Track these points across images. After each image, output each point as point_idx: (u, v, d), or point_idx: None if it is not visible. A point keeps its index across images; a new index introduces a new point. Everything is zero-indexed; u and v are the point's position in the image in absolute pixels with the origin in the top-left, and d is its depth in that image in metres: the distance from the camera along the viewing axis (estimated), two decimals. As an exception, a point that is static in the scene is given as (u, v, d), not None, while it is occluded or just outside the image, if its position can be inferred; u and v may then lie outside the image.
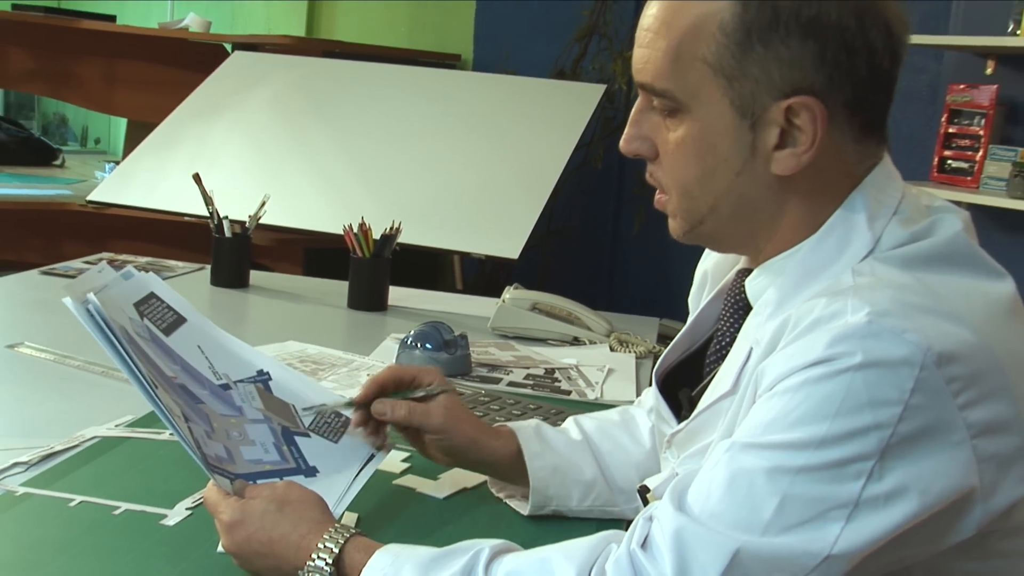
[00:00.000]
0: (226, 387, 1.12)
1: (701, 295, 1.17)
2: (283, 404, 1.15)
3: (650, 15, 0.97)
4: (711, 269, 1.16)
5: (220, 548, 1.01)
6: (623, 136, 1.01)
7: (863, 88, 0.94)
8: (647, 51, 0.96)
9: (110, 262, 2.45)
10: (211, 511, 1.01)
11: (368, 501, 1.17)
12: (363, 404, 1.15)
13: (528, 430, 1.23)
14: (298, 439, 1.13)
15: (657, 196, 1.02)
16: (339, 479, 1.11)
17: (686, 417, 1.05)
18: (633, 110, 1.00)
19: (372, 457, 1.15)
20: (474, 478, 1.27)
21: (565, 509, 1.21)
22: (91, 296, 0.97)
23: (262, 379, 1.15)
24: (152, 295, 1.10)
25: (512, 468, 1.21)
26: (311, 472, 1.11)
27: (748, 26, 0.91)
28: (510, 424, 1.24)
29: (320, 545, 0.95)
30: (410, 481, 1.26)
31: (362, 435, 1.17)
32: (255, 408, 1.12)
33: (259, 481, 1.05)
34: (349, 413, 1.16)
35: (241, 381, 1.14)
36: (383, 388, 1.17)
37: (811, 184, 0.96)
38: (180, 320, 1.12)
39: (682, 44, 0.94)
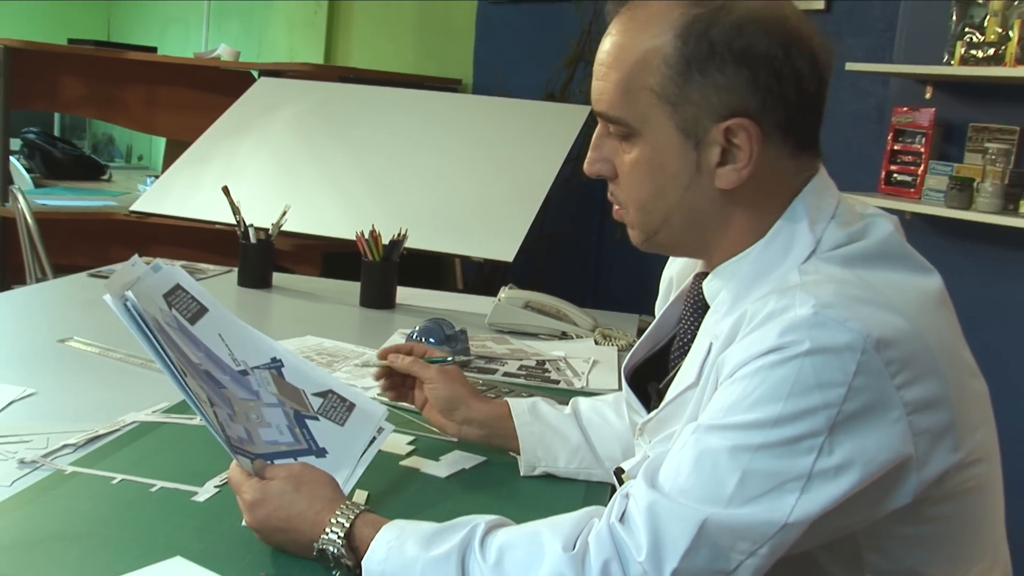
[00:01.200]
0: (244, 373, 1.09)
1: (666, 300, 1.17)
2: (295, 389, 1.13)
3: (604, 51, 0.98)
4: (675, 276, 1.17)
5: (244, 523, 1.00)
6: (586, 159, 1.01)
7: (794, 109, 0.94)
8: (602, 83, 0.97)
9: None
10: (235, 490, 1.01)
11: (377, 480, 1.16)
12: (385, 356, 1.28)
13: (522, 404, 1.28)
14: (309, 422, 1.11)
15: (616, 210, 1.03)
16: (347, 459, 1.10)
17: (655, 407, 1.05)
18: (594, 136, 1.01)
19: (374, 439, 1.14)
20: (472, 460, 1.27)
21: (554, 469, 1.25)
22: (129, 293, 0.96)
23: (275, 366, 1.13)
24: (178, 286, 1.08)
25: (499, 429, 1.26)
26: (321, 453, 1.09)
27: (688, 58, 0.92)
28: (508, 400, 1.29)
29: (333, 521, 0.95)
30: (414, 462, 1.26)
31: (382, 388, 1.30)
32: (270, 393, 1.10)
33: (277, 461, 1.04)
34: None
35: (257, 367, 1.11)
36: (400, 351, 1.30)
37: (753, 195, 0.96)
38: (203, 310, 1.09)
39: (631, 76, 0.95)
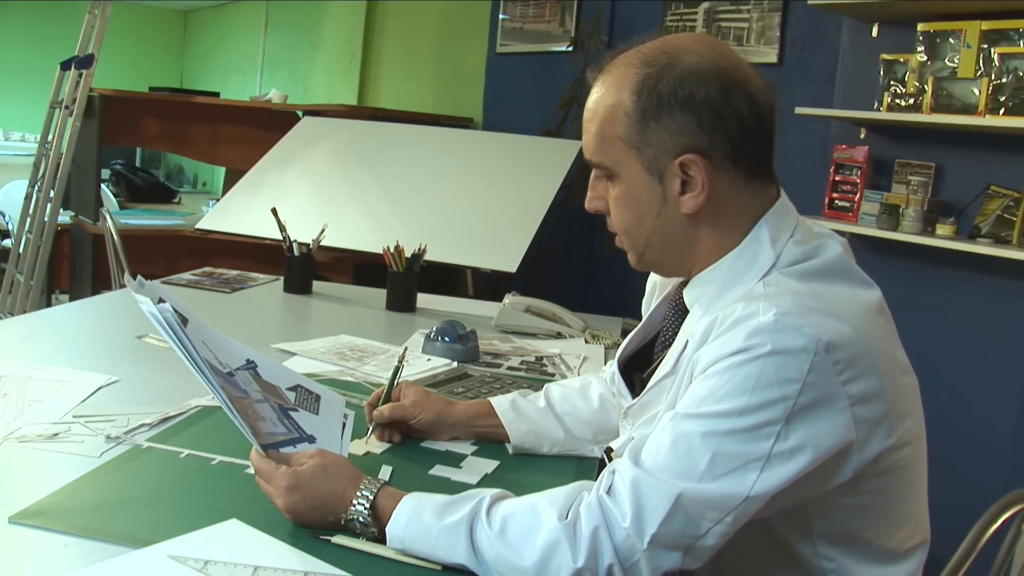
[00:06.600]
0: (231, 374, 1.00)
1: (651, 300, 1.17)
2: (272, 386, 1.04)
3: (586, 109, 0.99)
4: (659, 281, 1.17)
5: (279, 506, 0.95)
6: (586, 199, 1.02)
7: (738, 143, 0.94)
8: (586, 136, 0.99)
9: (210, 274, 2.44)
10: (265, 478, 0.96)
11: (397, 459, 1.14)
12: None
13: (505, 403, 1.25)
14: (292, 414, 1.04)
15: (616, 239, 1.03)
16: (331, 443, 1.04)
17: (639, 394, 1.04)
18: (590, 179, 1.01)
19: (344, 424, 1.09)
20: (491, 464, 1.19)
21: (538, 454, 1.24)
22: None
23: (251, 367, 1.04)
24: (160, 299, 0.94)
25: (483, 426, 1.25)
26: (312, 439, 1.03)
27: (643, 109, 0.93)
28: (490, 400, 1.27)
29: (358, 495, 0.93)
30: (440, 471, 1.15)
31: (387, 440, 1.24)
32: (255, 391, 1.01)
33: (282, 449, 0.99)
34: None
35: (239, 369, 1.02)
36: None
37: (715, 216, 0.96)
38: (186, 319, 0.95)
39: (604, 127, 0.96)
